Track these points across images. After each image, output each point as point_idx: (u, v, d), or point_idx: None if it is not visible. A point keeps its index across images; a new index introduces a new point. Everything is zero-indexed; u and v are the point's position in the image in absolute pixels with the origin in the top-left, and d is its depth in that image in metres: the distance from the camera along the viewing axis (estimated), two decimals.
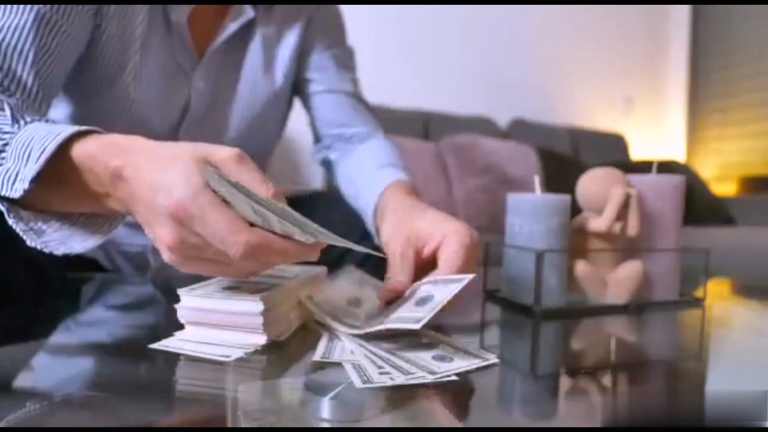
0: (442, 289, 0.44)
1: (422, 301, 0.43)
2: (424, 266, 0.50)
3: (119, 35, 0.66)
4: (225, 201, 0.36)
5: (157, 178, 0.38)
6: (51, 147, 0.42)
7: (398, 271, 0.49)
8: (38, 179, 0.42)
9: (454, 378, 0.36)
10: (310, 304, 0.48)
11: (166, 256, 0.39)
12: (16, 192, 0.43)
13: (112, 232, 0.47)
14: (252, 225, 0.37)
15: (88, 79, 0.68)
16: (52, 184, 0.43)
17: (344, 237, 0.40)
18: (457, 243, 0.48)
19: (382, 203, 0.66)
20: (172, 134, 0.75)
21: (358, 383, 0.33)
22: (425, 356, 0.39)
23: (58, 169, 0.43)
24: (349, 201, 0.79)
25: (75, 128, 0.43)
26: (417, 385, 0.34)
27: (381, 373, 0.35)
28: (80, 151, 0.42)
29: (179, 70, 0.73)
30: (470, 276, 0.43)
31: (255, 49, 0.78)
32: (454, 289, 0.42)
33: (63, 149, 0.42)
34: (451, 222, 0.51)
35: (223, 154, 0.39)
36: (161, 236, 0.38)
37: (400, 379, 0.34)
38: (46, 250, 0.44)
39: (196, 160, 0.38)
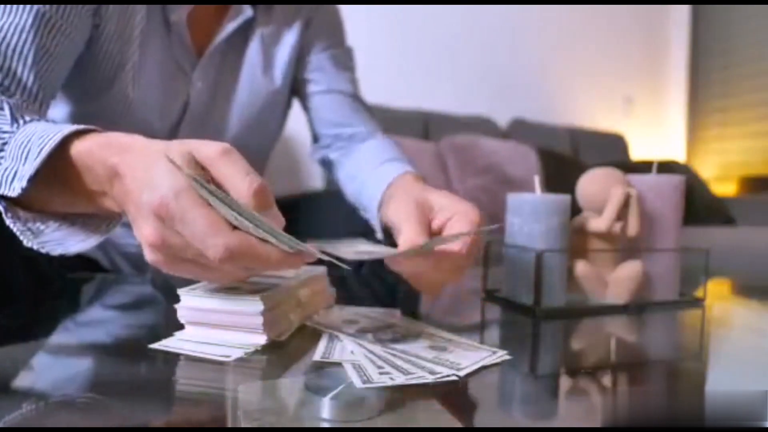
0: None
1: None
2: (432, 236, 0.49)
3: (118, 35, 0.66)
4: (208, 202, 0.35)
5: (146, 175, 0.37)
6: (49, 146, 0.42)
7: (413, 231, 0.47)
8: (37, 178, 0.42)
9: (454, 378, 0.36)
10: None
11: (148, 256, 0.38)
12: (14, 191, 0.43)
13: (110, 232, 0.47)
14: (235, 228, 0.36)
15: (87, 79, 0.68)
16: (51, 183, 0.43)
17: (344, 238, 0.40)
18: (467, 220, 0.47)
19: (388, 193, 0.64)
20: (172, 133, 0.75)
21: (358, 383, 0.33)
22: (428, 354, 0.39)
23: (57, 168, 0.42)
24: (351, 199, 0.79)
25: (74, 127, 0.43)
26: (417, 385, 0.34)
27: (381, 373, 0.35)
28: (79, 149, 0.42)
29: (178, 69, 0.73)
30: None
31: (254, 49, 0.78)
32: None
33: (62, 148, 0.42)
34: (464, 201, 0.50)
35: (209, 149, 0.38)
36: (144, 233, 0.37)
37: (400, 379, 0.34)
38: (43, 251, 0.44)
39: (181, 157, 0.37)
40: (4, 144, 0.46)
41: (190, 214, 0.35)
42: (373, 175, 0.71)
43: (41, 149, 0.42)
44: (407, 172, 0.68)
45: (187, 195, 0.35)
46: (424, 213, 0.49)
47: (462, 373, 0.36)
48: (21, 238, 0.44)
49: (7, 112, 0.48)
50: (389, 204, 0.60)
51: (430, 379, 0.35)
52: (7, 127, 0.47)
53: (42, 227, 0.45)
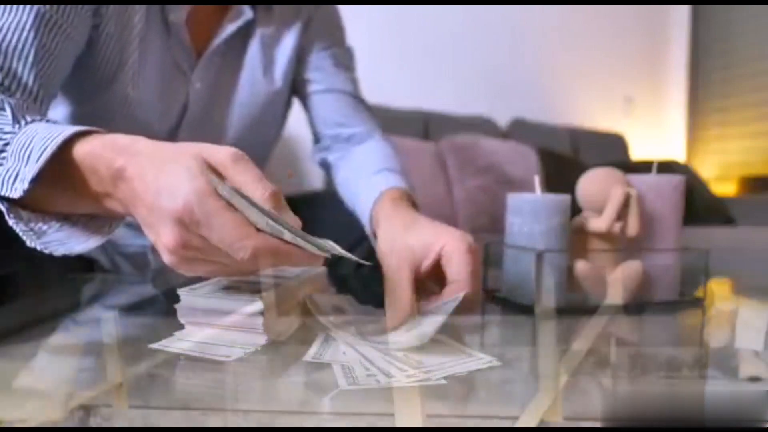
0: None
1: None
2: (426, 278, 0.50)
3: (117, 35, 0.66)
4: (230, 204, 0.37)
5: (160, 180, 0.38)
6: (52, 147, 0.42)
7: (398, 300, 0.48)
8: (39, 179, 0.42)
9: (442, 381, 0.36)
10: (311, 304, 0.48)
11: (166, 258, 0.39)
12: (16, 192, 0.43)
13: (112, 233, 0.47)
14: (258, 230, 0.37)
15: (86, 79, 0.68)
16: (53, 184, 0.43)
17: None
18: (459, 253, 0.48)
19: (376, 210, 0.66)
20: (172, 134, 0.75)
21: (343, 384, 0.34)
22: (418, 358, 0.39)
23: (59, 169, 0.42)
24: (347, 205, 0.79)
25: (76, 128, 0.43)
26: (416, 386, 0.34)
27: (368, 375, 0.35)
28: (82, 150, 0.42)
29: (177, 70, 0.73)
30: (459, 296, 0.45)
31: (254, 50, 0.78)
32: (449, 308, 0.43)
33: (64, 149, 0.42)
34: (445, 230, 0.51)
35: (221, 154, 0.39)
36: (163, 238, 0.38)
37: (385, 382, 0.34)
38: (46, 251, 0.44)
39: (198, 162, 0.38)
40: (6, 145, 0.45)
41: (216, 218, 0.36)
42: (365, 186, 0.72)
43: (43, 150, 0.42)
44: (393, 187, 0.68)
45: (211, 199, 0.36)
46: (408, 265, 0.50)
47: (437, 376, 0.36)
48: (24, 238, 0.44)
49: (8, 112, 0.48)
50: (378, 228, 0.61)
51: (410, 381, 0.35)
52: (8, 128, 0.46)
53: (44, 227, 0.45)
